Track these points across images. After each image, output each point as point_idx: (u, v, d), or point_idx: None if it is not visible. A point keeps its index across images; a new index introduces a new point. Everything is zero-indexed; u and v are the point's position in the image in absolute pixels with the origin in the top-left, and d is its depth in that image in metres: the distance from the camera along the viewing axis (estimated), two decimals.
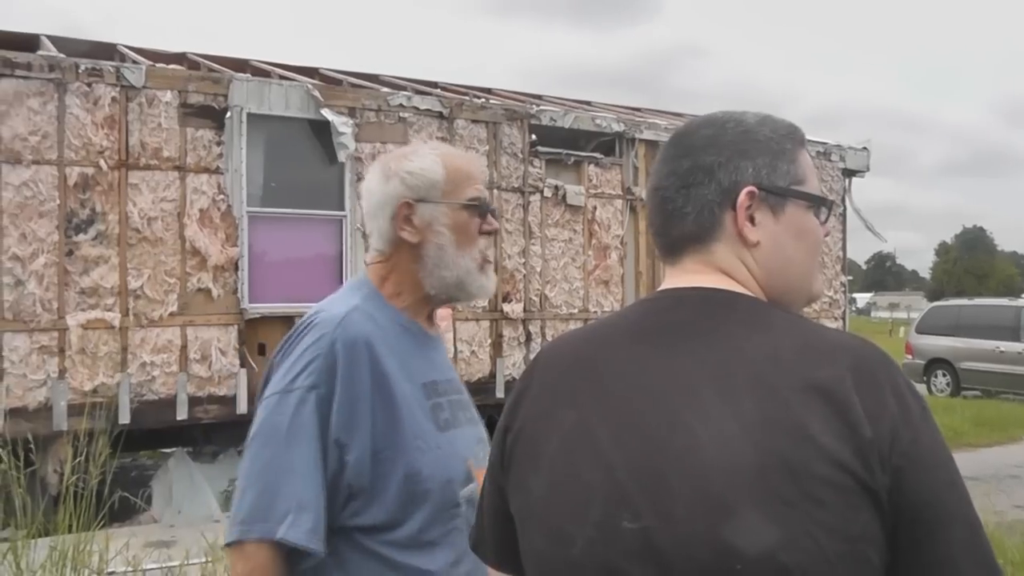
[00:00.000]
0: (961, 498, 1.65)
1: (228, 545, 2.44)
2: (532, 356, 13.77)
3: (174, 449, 11.97)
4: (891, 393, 1.63)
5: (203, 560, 6.49)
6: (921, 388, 25.25)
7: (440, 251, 2.65)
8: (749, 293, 1.84)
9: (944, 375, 25.65)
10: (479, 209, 2.69)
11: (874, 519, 1.58)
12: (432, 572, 2.49)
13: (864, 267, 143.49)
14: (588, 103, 17.26)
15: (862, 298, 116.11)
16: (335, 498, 2.46)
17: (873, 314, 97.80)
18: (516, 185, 13.72)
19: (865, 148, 17.84)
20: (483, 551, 2.03)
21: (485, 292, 2.75)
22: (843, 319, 17.33)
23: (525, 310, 13.72)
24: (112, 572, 6.39)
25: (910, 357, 26.60)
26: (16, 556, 5.80)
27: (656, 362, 1.75)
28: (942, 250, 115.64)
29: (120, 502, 6.59)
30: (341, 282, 11.99)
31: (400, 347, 2.60)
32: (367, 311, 2.61)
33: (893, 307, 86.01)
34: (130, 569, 6.59)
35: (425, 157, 2.69)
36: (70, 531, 6.04)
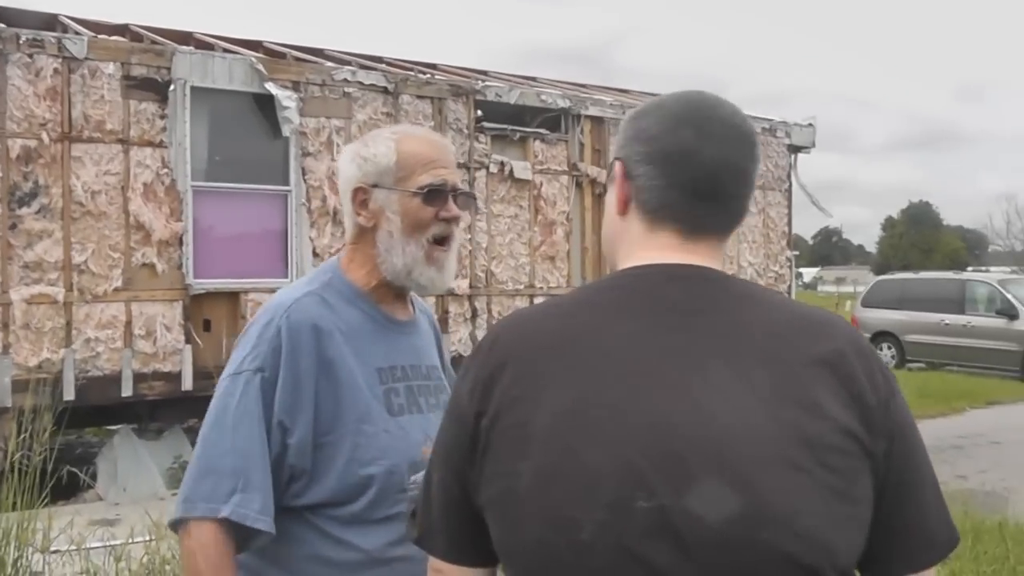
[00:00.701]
0: (929, 463, 1.85)
1: (172, 523, 2.47)
2: (477, 332, 13.91)
3: (119, 426, 11.91)
4: (878, 367, 1.76)
5: (147, 539, 6.47)
6: None
7: (389, 238, 2.66)
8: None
9: (889, 348, 25.83)
10: (433, 196, 2.67)
11: (870, 482, 1.71)
12: (368, 551, 2.52)
13: (811, 242, 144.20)
14: (534, 79, 17.27)
15: (809, 272, 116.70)
16: (278, 478, 2.48)
17: (820, 288, 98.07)
18: (462, 161, 13.66)
19: (811, 124, 17.99)
20: (431, 543, 1.95)
21: (434, 285, 2.73)
22: (789, 293, 17.47)
23: (471, 286, 13.73)
24: (55, 551, 6.36)
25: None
26: None
27: (655, 338, 1.75)
28: (888, 225, 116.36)
29: (65, 480, 6.55)
30: (286, 258, 11.98)
31: (357, 331, 2.62)
32: (322, 297, 2.63)
33: (840, 281, 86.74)
34: (74, 547, 6.57)
35: (381, 142, 2.70)
36: (13, 509, 6.01)
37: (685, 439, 1.64)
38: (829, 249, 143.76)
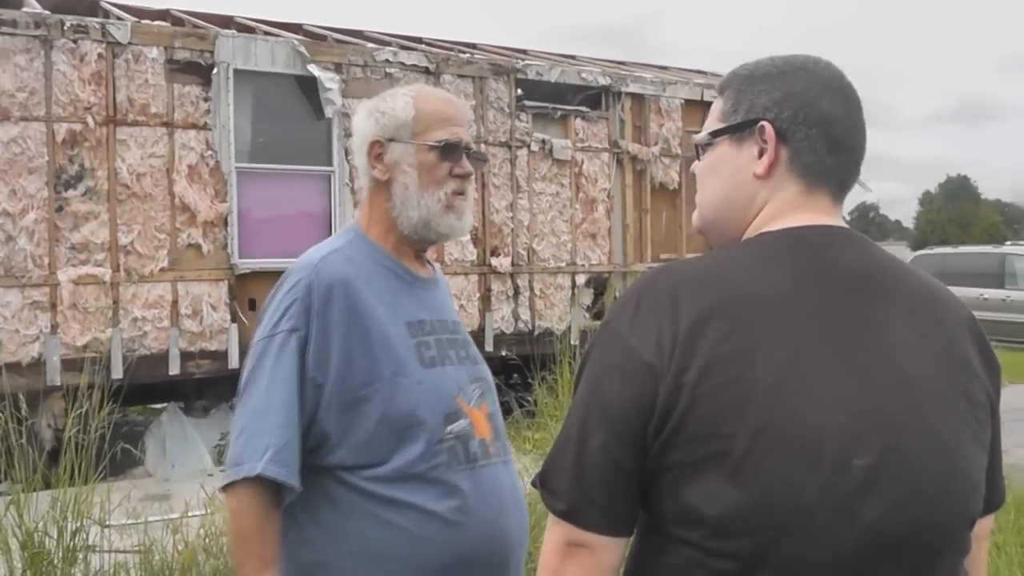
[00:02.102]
0: None
1: (223, 489, 2.55)
2: (520, 310, 13.96)
3: (166, 404, 12.04)
4: None
5: (202, 512, 6.59)
6: None
7: (405, 190, 2.73)
8: None
9: None
10: (449, 151, 2.73)
11: (990, 434, 1.88)
12: (419, 506, 2.55)
13: (848, 218, 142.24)
14: (574, 57, 17.26)
15: None
16: (316, 437, 2.56)
17: None
18: (503, 139, 13.73)
19: None
20: (585, 516, 1.82)
21: (454, 231, 2.80)
22: None
23: (513, 264, 13.76)
24: (109, 524, 6.48)
25: None
26: (19, 508, 5.88)
27: (843, 299, 1.80)
28: (926, 199, 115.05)
29: (113, 458, 6.67)
30: (330, 236, 12.07)
31: (384, 287, 2.69)
32: (348, 254, 2.71)
33: None
34: (131, 520, 6.69)
35: (399, 98, 2.76)
36: (71, 484, 6.12)
37: (888, 397, 1.71)
38: (866, 225, 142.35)
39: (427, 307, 2.79)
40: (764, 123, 1.90)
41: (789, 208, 1.90)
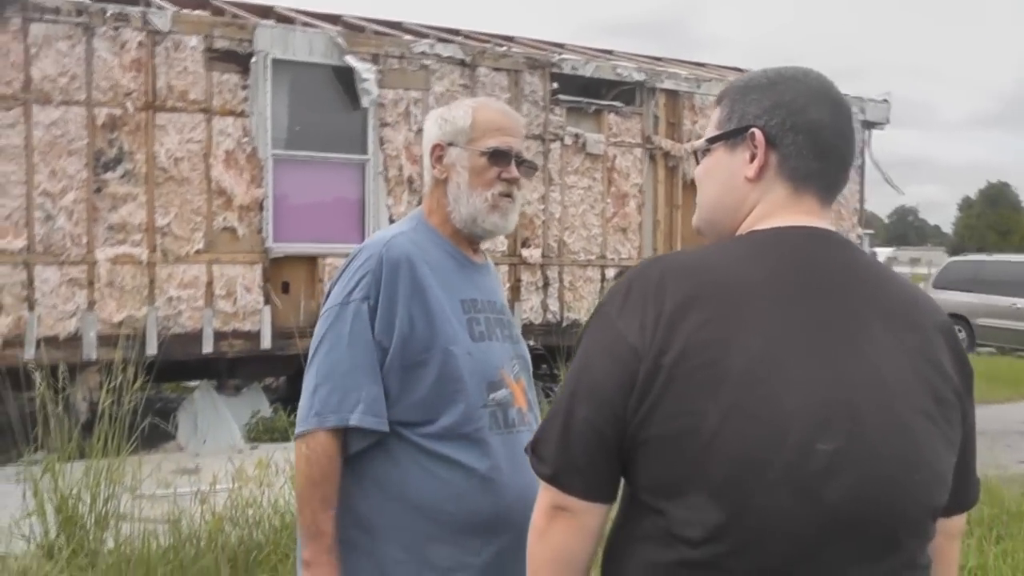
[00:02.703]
0: None
1: (300, 435, 2.83)
2: (549, 300, 14.12)
3: (198, 382, 12.28)
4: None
5: (231, 486, 6.79)
6: None
7: (457, 189, 3.03)
8: None
9: (960, 331, 24.84)
10: (498, 157, 3.01)
11: (960, 436, 2.02)
12: (462, 463, 2.84)
13: (886, 221, 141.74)
14: (610, 52, 17.38)
15: (883, 252, 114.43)
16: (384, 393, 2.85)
17: (895, 268, 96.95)
18: (537, 132, 13.87)
19: (885, 100, 17.71)
20: (568, 481, 1.99)
21: (498, 229, 3.08)
22: None
23: (543, 256, 13.94)
24: (140, 495, 6.68)
25: None
26: (54, 475, 6.11)
27: (823, 296, 1.95)
28: (965, 205, 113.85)
29: (145, 431, 6.88)
30: (363, 224, 12.30)
31: (442, 267, 2.98)
32: (412, 237, 2.99)
33: (914, 262, 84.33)
34: (162, 491, 6.91)
35: (461, 108, 3.07)
36: (104, 455, 6.34)
37: (858, 390, 1.86)
38: (905, 228, 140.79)
39: (479, 288, 3.08)
40: (755, 130, 2.06)
41: (778, 209, 2.06)
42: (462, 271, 3.06)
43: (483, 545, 2.86)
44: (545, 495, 2.03)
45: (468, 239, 3.11)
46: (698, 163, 2.22)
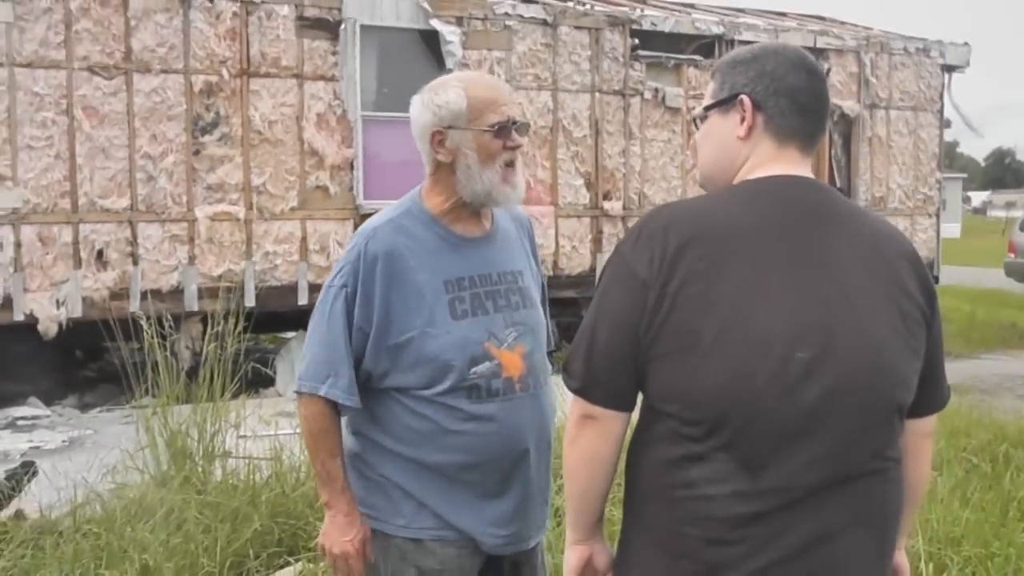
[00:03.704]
0: None
1: (297, 394, 3.22)
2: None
3: (294, 333, 12.85)
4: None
5: None
6: (1023, 287, 24.72)
7: (468, 170, 3.18)
8: None
9: None
10: (502, 130, 3.19)
11: (925, 346, 2.44)
12: (439, 424, 3.17)
13: (983, 164, 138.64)
14: (692, 6, 17.55)
15: (978, 197, 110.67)
16: (373, 369, 3.19)
17: (989, 213, 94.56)
18: (617, 88, 14.26)
19: (966, 43, 17.81)
20: (592, 393, 2.40)
21: (510, 200, 3.27)
22: (936, 216, 17.59)
23: (624, 208, 14.35)
24: (243, 435, 7.19)
25: (1012, 256, 25.58)
26: (164, 413, 6.66)
27: (803, 230, 2.35)
28: None
29: (245, 377, 7.35)
30: None
31: (429, 250, 3.20)
32: (401, 223, 3.22)
33: (1010, 206, 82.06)
34: (267, 431, 7.40)
35: (451, 90, 3.20)
36: (209, 399, 6.85)
37: (831, 308, 2.30)
38: (1002, 171, 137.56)
39: (469, 265, 3.24)
40: (743, 96, 2.48)
41: (765, 161, 2.47)
42: (452, 251, 3.23)
43: (465, 487, 3.20)
44: (575, 407, 2.46)
45: (476, 210, 3.29)
46: (697, 129, 2.65)
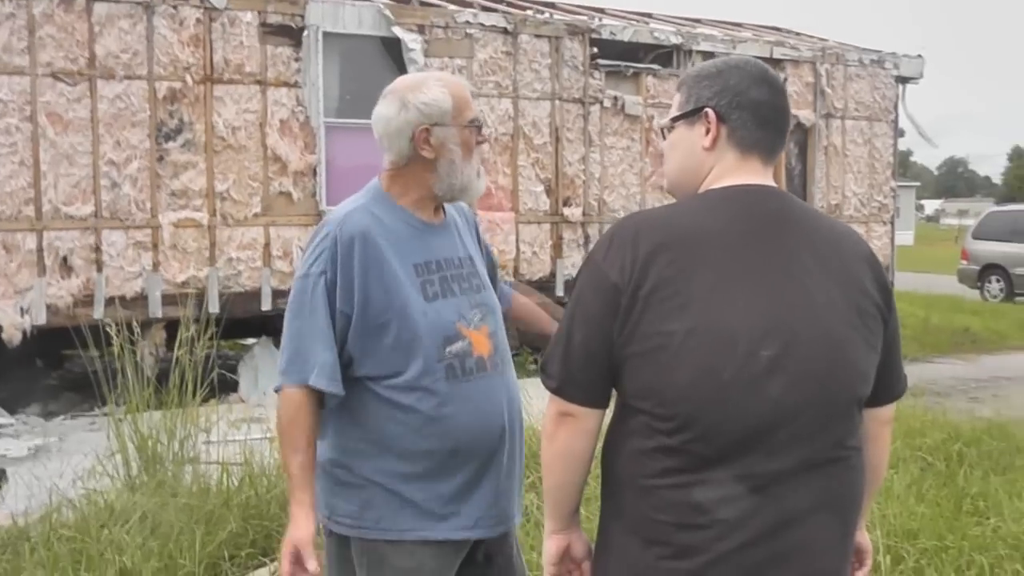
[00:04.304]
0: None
1: (276, 391, 3.27)
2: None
3: (256, 339, 12.92)
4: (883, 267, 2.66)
5: None
6: (974, 293, 25.47)
7: (451, 165, 3.32)
8: None
9: (998, 281, 25.41)
10: (477, 126, 3.37)
11: (881, 341, 2.57)
12: (422, 411, 3.26)
13: (936, 173, 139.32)
14: (649, 15, 17.70)
15: (931, 205, 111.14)
16: (348, 355, 3.27)
17: (942, 221, 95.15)
18: (577, 96, 14.42)
19: (920, 55, 18.09)
20: (569, 391, 2.53)
21: (479, 193, 3.45)
22: (891, 223, 17.83)
23: (584, 214, 14.50)
24: (209, 441, 7.26)
25: (965, 263, 26.39)
26: (135, 419, 6.72)
27: (764, 237, 2.48)
28: (1015, 155, 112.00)
29: (215, 382, 7.40)
30: None
31: (397, 235, 3.30)
32: (368, 209, 3.32)
33: (962, 213, 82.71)
34: (233, 435, 7.47)
35: (435, 89, 3.33)
36: (179, 405, 6.91)
37: (793, 307, 2.43)
38: (954, 180, 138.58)
39: (434, 250, 3.37)
40: (708, 109, 2.61)
41: (729, 171, 2.59)
42: (417, 237, 3.34)
43: (448, 475, 3.28)
44: (552, 405, 2.59)
45: (439, 203, 3.45)
46: (663, 139, 2.78)
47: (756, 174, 2.59)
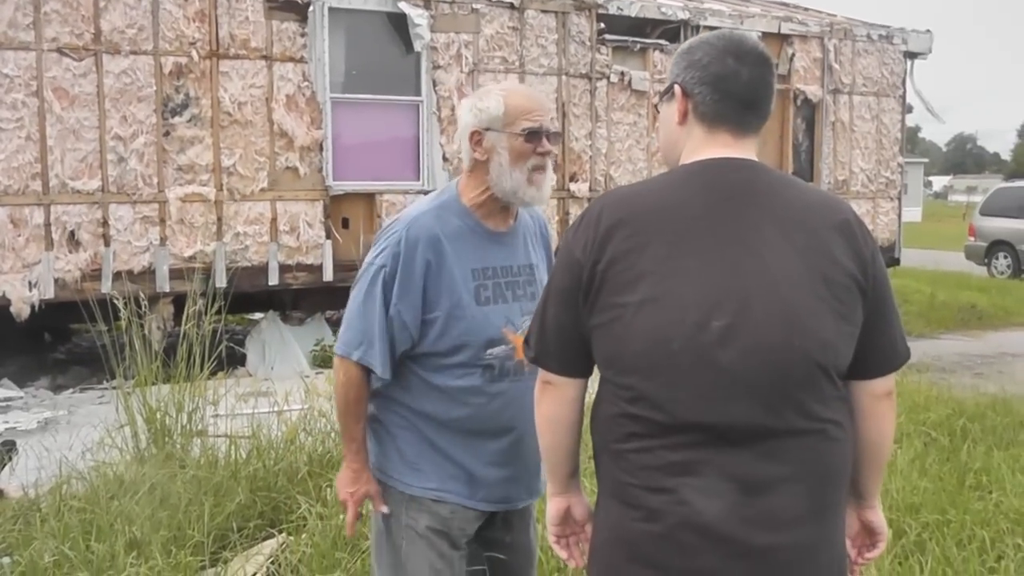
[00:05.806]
0: (895, 301, 2.74)
1: (337, 356, 3.56)
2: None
3: (265, 313, 13.00)
4: (868, 233, 2.64)
5: (303, 407, 7.43)
6: (982, 270, 25.50)
7: (500, 168, 3.49)
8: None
9: (1005, 257, 25.49)
10: (531, 136, 3.48)
11: (861, 310, 2.56)
12: (458, 396, 3.50)
13: (944, 149, 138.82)
14: None
15: (939, 181, 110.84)
16: (404, 342, 3.49)
17: (950, 197, 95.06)
18: (583, 72, 14.43)
19: (928, 31, 18.05)
20: (545, 361, 2.72)
21: (535, 200, 3.58)
22: (898, 199, 17.85)
23: (591, 189, 14.54)
24: (217, 414, 7.32)
25: (972, 239, 26.44)
26: (144, 392, 6.78)
27: (725, 209, 2.52)
28: None
29: (223, 356, 7.47)
30: (418, 162, 12.90)
31: (461, 240, 3.51)
32: (438, 214, 3.53)
33: (971, 190, 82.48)
34: (241, 408, 7.52)
35: (492, 97, 3.51)
36: (187, 379, 6.99)
37: (748, 278, 2.46)
38: (963, 157, 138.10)
39: (495, 256, 3.58)
40: (675, 85, 2.69)
41: (699, 145, 2.65)
42: (480, 243, 3.56)
43: (481, 444, 3.55)
44: (539, 375, 2.77)
45: (505, 206, 3.60)
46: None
47: (727, 147, 2.64)
